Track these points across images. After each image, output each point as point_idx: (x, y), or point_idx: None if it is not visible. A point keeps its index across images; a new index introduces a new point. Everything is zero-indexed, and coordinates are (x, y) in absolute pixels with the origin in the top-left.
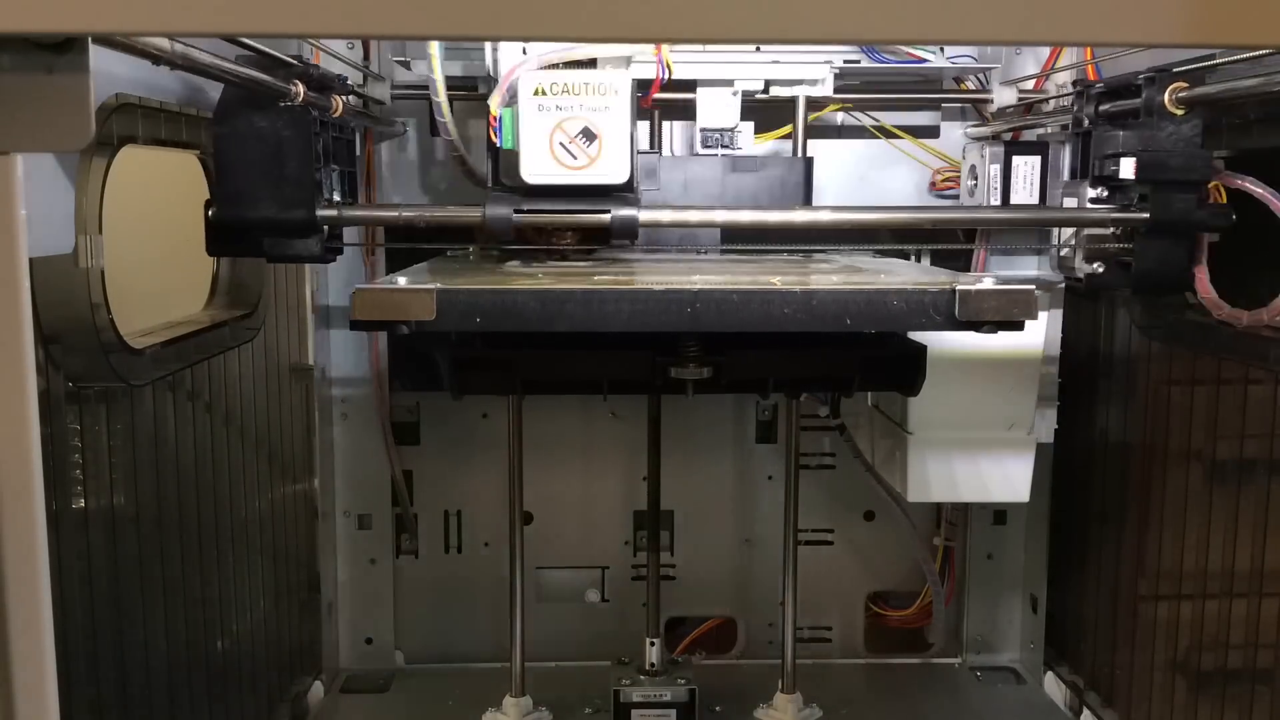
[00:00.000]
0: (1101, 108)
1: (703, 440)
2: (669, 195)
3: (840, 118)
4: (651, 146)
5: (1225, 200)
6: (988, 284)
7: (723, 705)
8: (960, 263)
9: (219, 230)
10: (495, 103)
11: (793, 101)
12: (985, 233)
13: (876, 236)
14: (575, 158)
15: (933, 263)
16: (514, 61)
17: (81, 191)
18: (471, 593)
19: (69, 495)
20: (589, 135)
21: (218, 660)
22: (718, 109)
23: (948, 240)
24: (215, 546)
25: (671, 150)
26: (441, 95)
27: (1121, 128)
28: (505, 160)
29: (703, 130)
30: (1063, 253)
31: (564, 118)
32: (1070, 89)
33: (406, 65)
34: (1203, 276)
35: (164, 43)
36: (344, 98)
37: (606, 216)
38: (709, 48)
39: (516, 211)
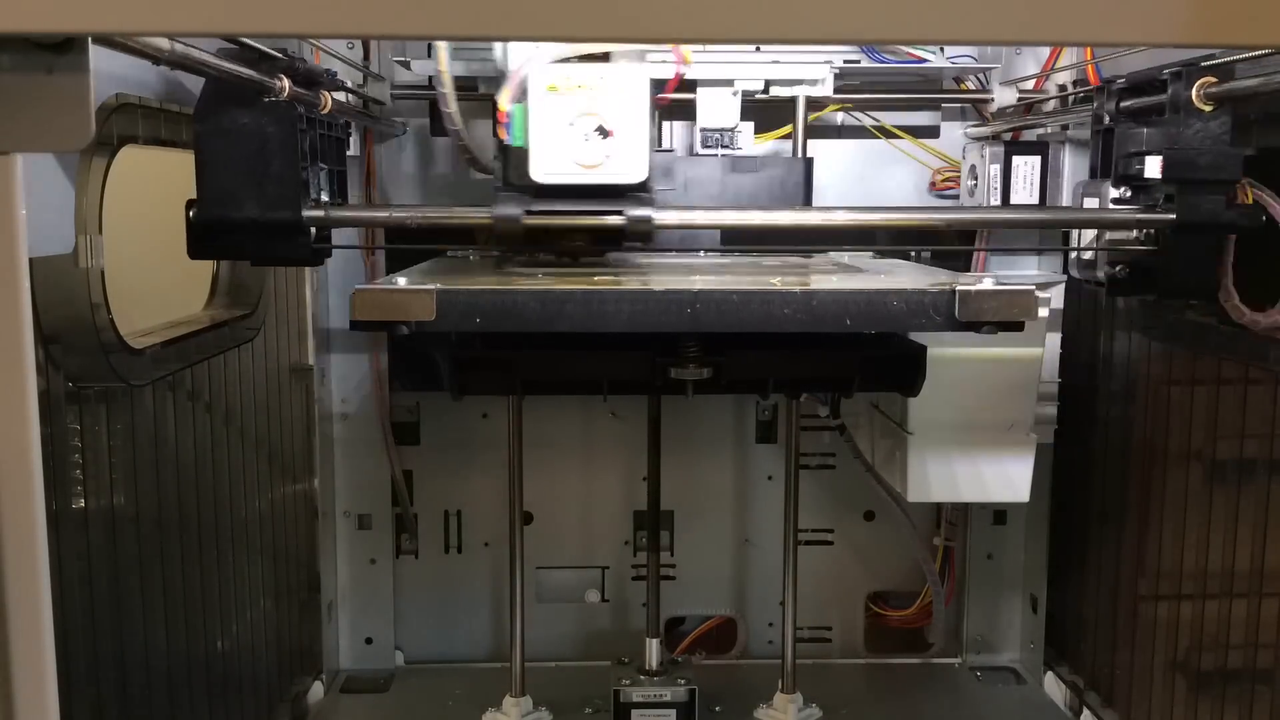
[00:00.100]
0: (1124, 104)
1: (703, 440)
2: (669, 196)
3: (840, 118)
4: (652, 146)
5: (1251, 200)
6: (988, 284)
7: (723, 705)
8: (960, 263)
9: (201, 232)
10: (505, 98)
11: (793, 101)
12: (986, 233)
13: (877, 237)
14: (589, 156)
15: (933, 263)
16: (524, 56)
17: (81, 191)
18: (471, 593)
19: (69, 495)
20: (604, 132)
21: (218, 660)
22: (718, 109)
23: (948, 240)
24: (215, 546)
25: (671, 150)
26: (448, 86)
27: (1146, 125)
28: (514, 159)
29: (703, 130)
30: (1084, 256)
31: (578, 114)
32: (1071, 89)
33: (406, 65)
34: (1227, 280)
35: (164, 43)
36: (333, 94)
37: (620, 218)
38: (709, 48)
39: (527, 213)
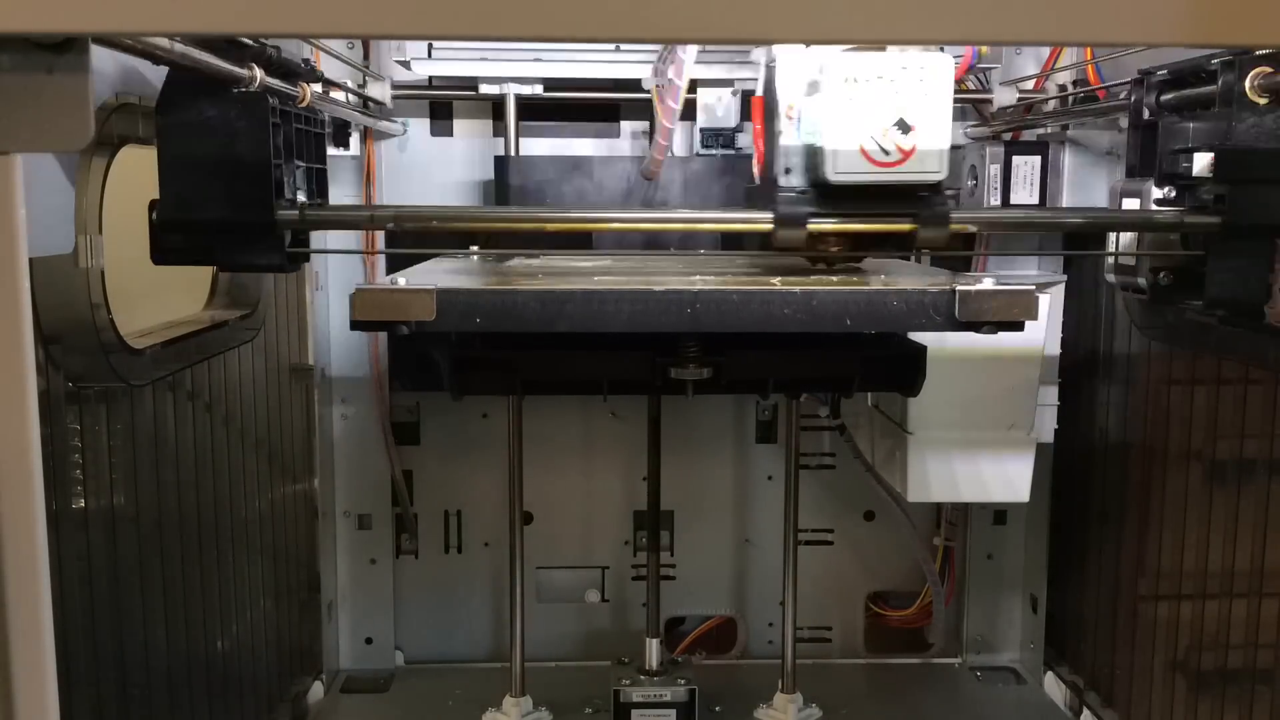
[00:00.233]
0: (1164, 97)
1: (703, 440)
2: (669, 195)
3: None
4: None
5: None
6: (988, 285)
7: (723, 705)
8: (960, 263)
9: (164, 235)
10: (791, 93)
11: None
12: (988, 235)
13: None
14: (887, 153)
15: (933, 263)
16: (795, 47)
17: (81, 191)
18: (471, 593)
19: (69, 495)
20: (904, 127)
21: (218, 660)
22: (718, 109)
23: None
24: (215, 546)
25: (672, 150)
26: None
27: (1191, 119)
28: (780, 154)
29: (703, 130)
30: (1123, 260)
31: (877, 107)
32: (1071, 89)
33: (406, 65)
34: (1277, 286)
35: (164, 42)
36: (312, 85)
37: (912, 223)
38: (709, 48)
39: (814, 215)
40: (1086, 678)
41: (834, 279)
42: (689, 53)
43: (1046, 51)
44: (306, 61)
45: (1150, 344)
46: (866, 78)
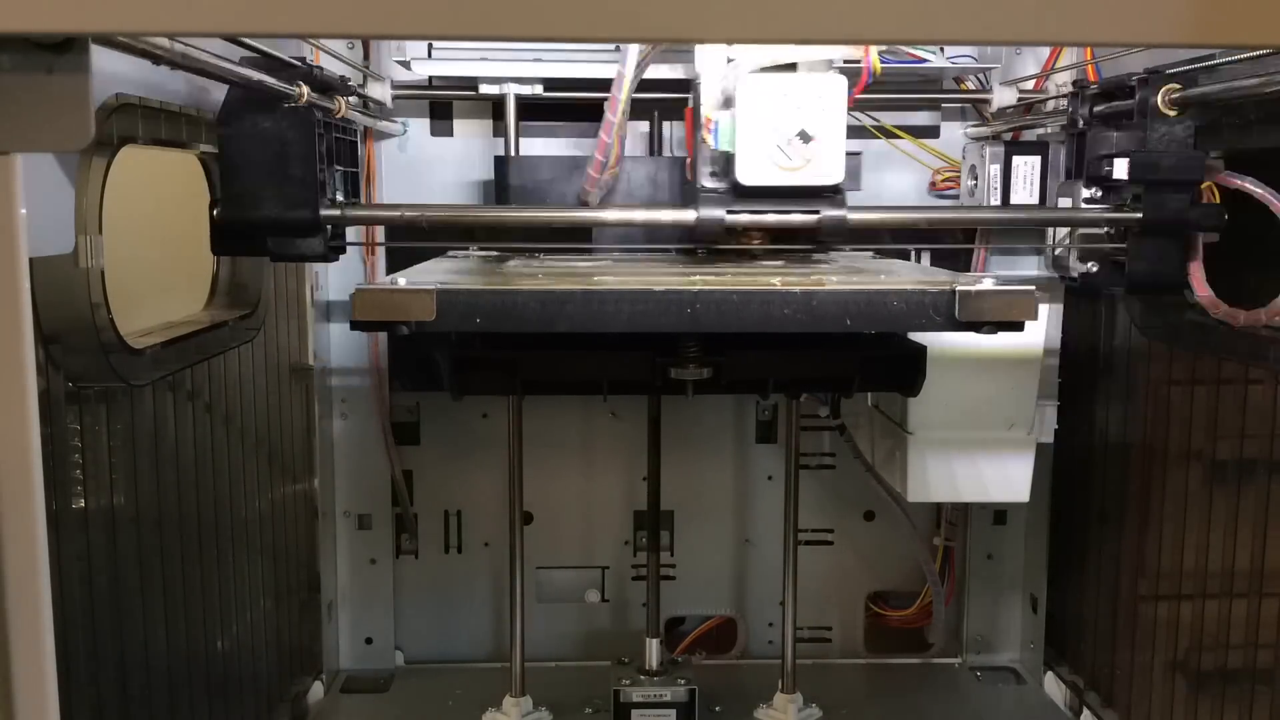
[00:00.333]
0: (1096, 108)
1: (703, 440)
2: (670, 196)
3: None
4: (651, 147)
5: (1219, 200)
6: (988, 285)
7: (723, 705)
8: (960, 262)
9: (224, 230)
10: (710, 105)
11: None
12: (985, 232)
13: (877, 236)
14: (791, 159)
15: (933, 263)
16: (710, 64)
17: (81, 191)
18: (471, 593)
19: (69, 495)
20: (805, 137)
21: (218, 660)
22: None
23: (948, 240)
24: (215, 546)
25: (671, 150)
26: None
27: (1116, 128)
28: (704, 162)
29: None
30: (1057, 252)
31: (781, 120)
32: (1071, 89)
33: (406, 65)
34: (1198, 275)
35: (164, 42)
36: (346, 98)
37: (815, 217)
38: (708, 48)
39: (730, 212)
40: (1086, 678)
41: (833, 279)
42: (629, 66)
43: (1046, 51)
44: (343, 78)
45: (1150, 344)
46: (773, 95)
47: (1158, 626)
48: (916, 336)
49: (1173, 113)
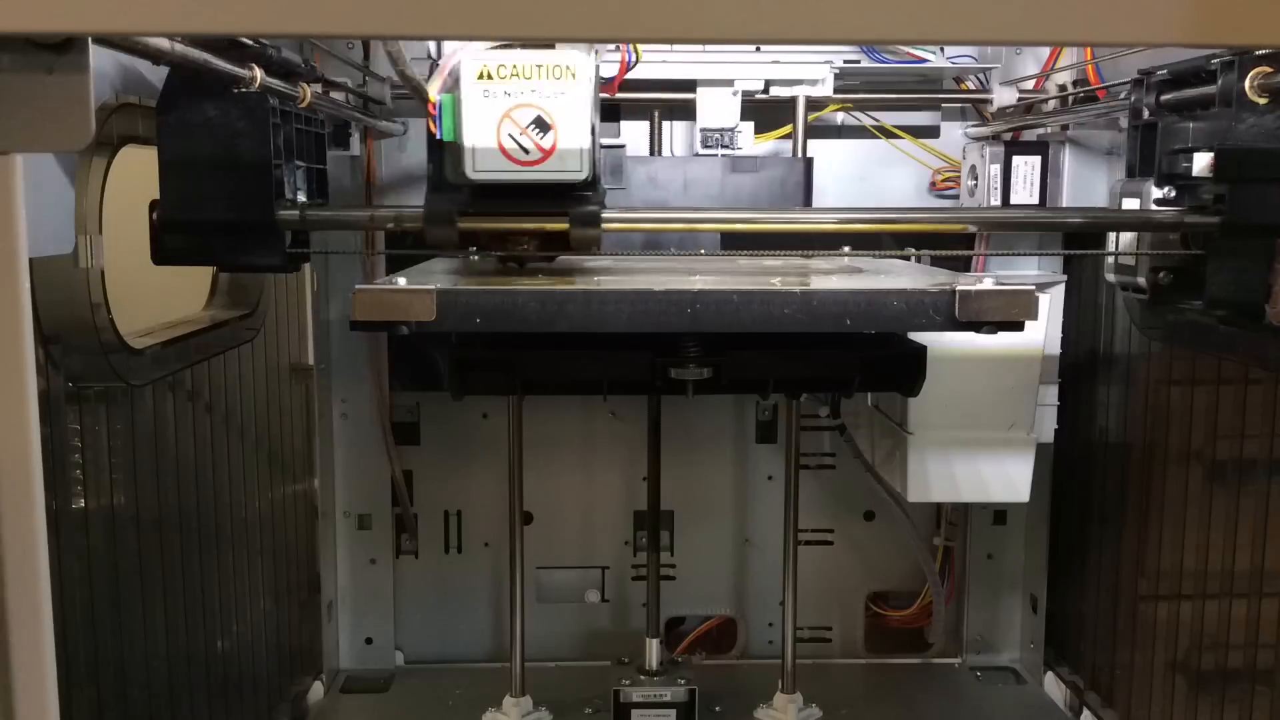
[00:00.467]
0: (1164, 97)
1: (703, 440)
2: (669, 196)
3: (840, 118)
4: (652, 147)
5: None
6: (988, 285)
7: (723, 705)
8: (960, 263)
9: (165, 235)
10: (434, 89)
11: (793, 101)
12: (988, 235)
13: (877, 237)
14: (527, 151)
15: (934, 263)
16: (456, 41)
17: (81, 191)
18: (471, 593)
19: (69, 495)
20: (542, 125)
21: (218, 660)
22: (718, 109)
23: (948, 241)
24: (215, 546)
25: (672, 150)
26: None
27: (1191, 119)
28: (449, 155)
29: (703, 130)
30: (1123, 260)
31: (513, 105)
32: (1071, 89)
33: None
34: (1278, 287)
35: (164, 43)
36: (312, 85)
37: (563, 221)
38: (709, 48)
39: (460, 214)
40: (1086, 678)
41: (833, 279)
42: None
43: (1046, 51)
44: (306, 62)
45: (1150, 344)
46: (502, 75)
47: (1157, 626)
48: (916, 336)
49: (1263, 100)
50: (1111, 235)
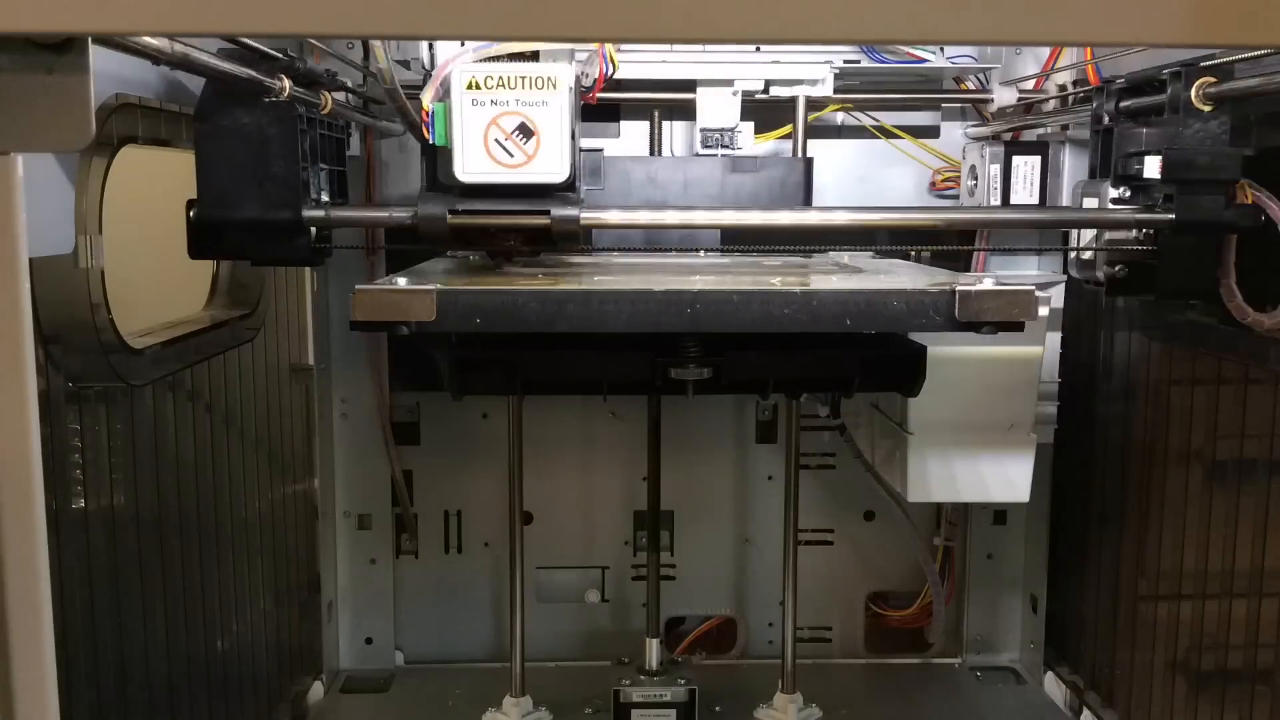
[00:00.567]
0: (1123, 104)
1: (703, 440)
2: (669, 196)
3: (840, 118)
4: (652, 147)
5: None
6: (988, 285)
7: (723, 705)
8: (960, 263)
9: (201, 232)
10: (428, 97)
11: (793, 101)
12: (986, 233)
13: (877, 237)
14: (512, 155)
15: (933, 262)
16: (450, 53)
17: (81, 191)
18: (471, 593)
19: (69, 495)
20: (526, 132)
21: (218, 660)
22: (718, 109)
23: (948, 240)
24: (215, 546)
25: (672, 150)
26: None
27: (1145, 125)
28: (441, 159)
29: (703, 130)
30: (1083, 255)
31: (500, 113)
32: (1071, 89)
33: (406, 65)
34: (1229, 280)
35: (164, 43)
36: (334, 94)
37: (545, 218)
38: (709, 48)
39: (451, 212)
40: (1086, 678)
41: (833, 279)
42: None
43: (1046, 51)
44: (328, 71)
45: (1150, 344)
46: (490, 85)
47: (1158, 626)
48: (916, 336)
49: (1207, 107)
50: (1073, 232)
